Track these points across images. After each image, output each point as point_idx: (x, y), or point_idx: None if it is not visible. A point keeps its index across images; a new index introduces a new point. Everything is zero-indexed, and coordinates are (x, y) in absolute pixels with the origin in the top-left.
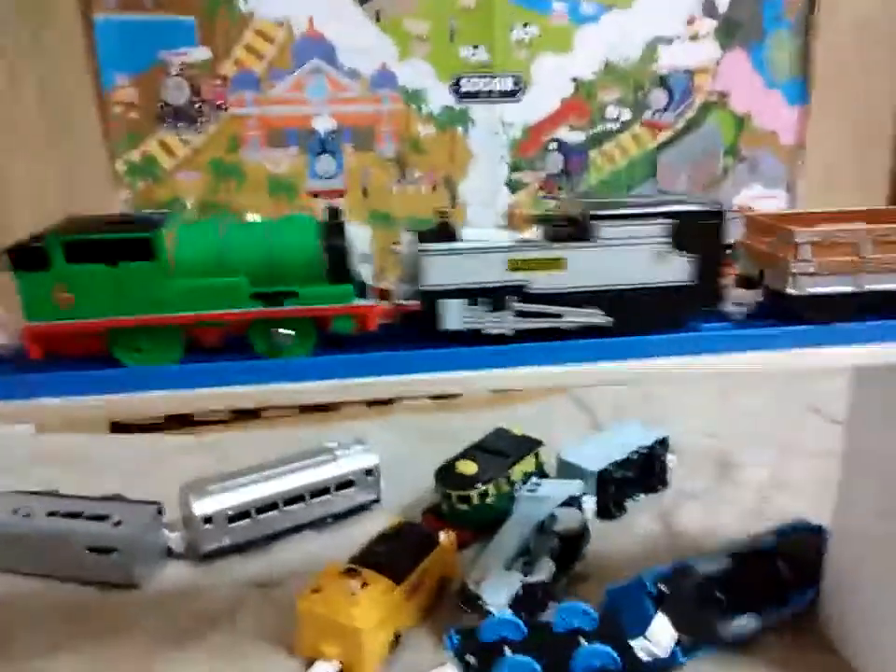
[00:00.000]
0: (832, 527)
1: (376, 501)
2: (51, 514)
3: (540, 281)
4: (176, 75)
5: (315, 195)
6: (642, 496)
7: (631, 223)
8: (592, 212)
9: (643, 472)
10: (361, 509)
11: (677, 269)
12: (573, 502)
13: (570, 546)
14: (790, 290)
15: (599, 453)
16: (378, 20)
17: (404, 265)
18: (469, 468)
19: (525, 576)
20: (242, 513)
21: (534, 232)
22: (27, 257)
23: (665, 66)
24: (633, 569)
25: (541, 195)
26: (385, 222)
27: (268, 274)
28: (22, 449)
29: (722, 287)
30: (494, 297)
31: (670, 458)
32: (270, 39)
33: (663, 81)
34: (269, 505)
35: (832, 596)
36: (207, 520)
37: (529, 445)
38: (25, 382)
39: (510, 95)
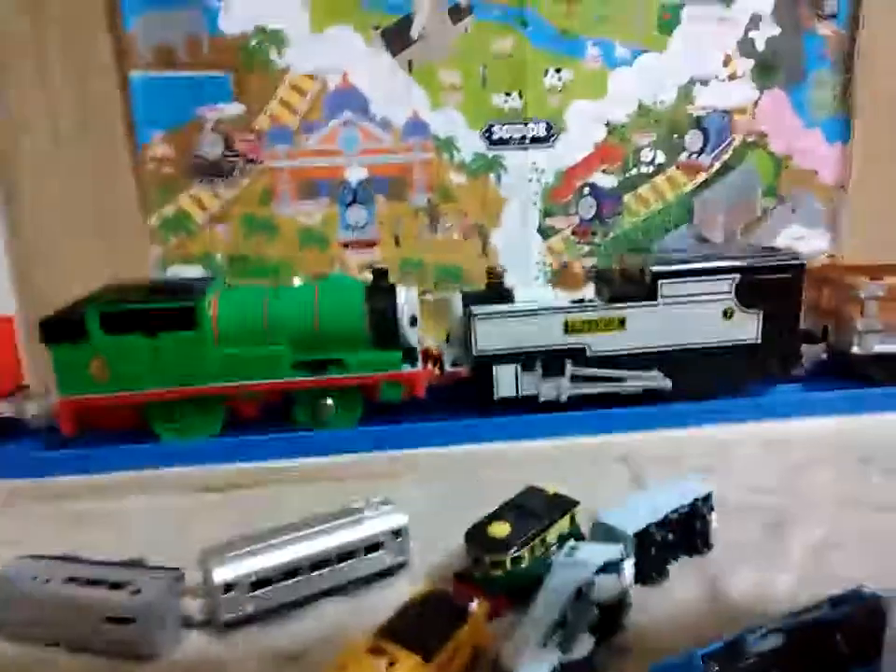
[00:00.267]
0: (892, 596)
1: (404, 564)
2: (70, 580)
3: (598, 343)
4: (211, 130)
5: (346, 246)
6: (685, 558)
7: (697, 279)
8: (654, 268)
9: (685, 533)
10: (389, 572)
11: (745, 327)
12: (612, 568)
13: (610, 616)
14: (855, 350)
15: (638, 513)
16: (410, 70)
17: (453, 328)
18: (501, 530)
19: (563, 653)
20: (264, 580)
21: (589, 290)
22: (63, 328)
23: (701, 107)
24: (677, 641)
25: (574, 241)
26: (416, 271)
27: (312, 341)
28: None
29: (798, 350)
30: (550, 361)
31: (714, 517)
32: (303, 93)
33: (698, 123)
34: (293, 570)
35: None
36: (228, 588)
37: (564, 505)
38: (60, 459)
39: (542, 141)
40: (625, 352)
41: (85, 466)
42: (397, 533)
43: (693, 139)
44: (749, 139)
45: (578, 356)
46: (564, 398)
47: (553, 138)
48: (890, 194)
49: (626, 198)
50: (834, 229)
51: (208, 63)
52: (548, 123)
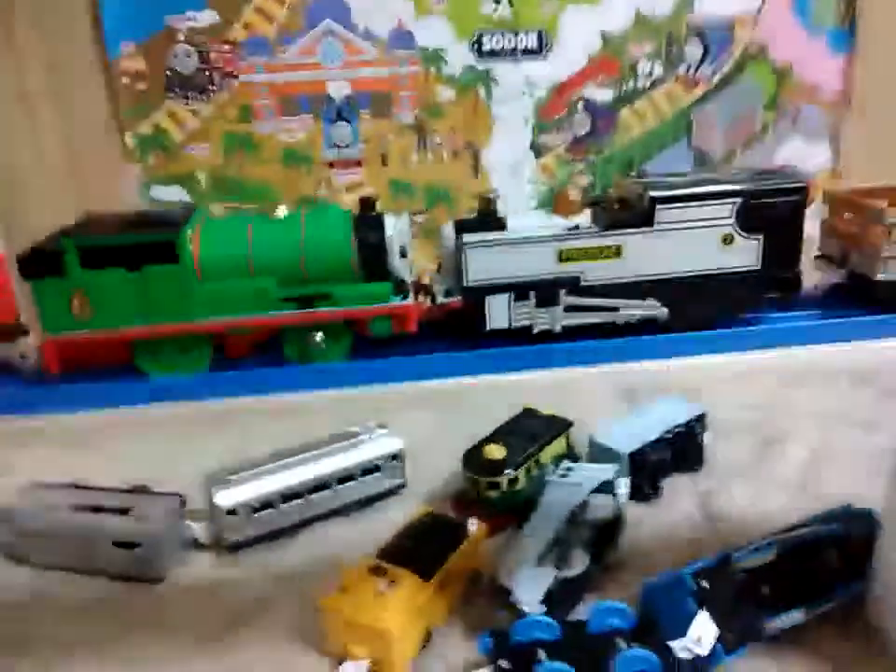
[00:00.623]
0: (882, 512)
1: (403, 486)
2: (76, 509)
3: (594, 272)
4: (184, 41)
5: (332, 165)
6: (678, 475)
7: (695, 204)
8: (651, 193)
9: (679, 451)
10: (388, 494)
11: (744, 254)
12: (607, 487)
13: (605, 535)
14: (879, 276)
15: (632, 433)
16: None
17: (444, 258)
18: (497, 452)
19: (559, 570)
20: (266, 503)
21: (585, 217)
22: (40, 263)
23: (701, 16)
24: (670, 557)
25: (569, 158)
26: (405, 192)
27: (299, 274)
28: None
29: (799, 275)
30: (544, 291)
31: (707, 435)
32: (280, 1)
33: (698, 33)
34: (294, 494)
35: (881, 585)
36: (231, 512)
37: (559, 426)
38: (46, 397)
39: (534, 52)
40: (621, 280)
41: (71, 403)
42: (394, 457)
43: (693, 50)
44: (750, 50)
45: (572, 285)
46: (558, 328)
47: (545, 50)
48: (892, 106)
49: (622, 113)
50: (836, 144)
51: None
52: (540, 33)
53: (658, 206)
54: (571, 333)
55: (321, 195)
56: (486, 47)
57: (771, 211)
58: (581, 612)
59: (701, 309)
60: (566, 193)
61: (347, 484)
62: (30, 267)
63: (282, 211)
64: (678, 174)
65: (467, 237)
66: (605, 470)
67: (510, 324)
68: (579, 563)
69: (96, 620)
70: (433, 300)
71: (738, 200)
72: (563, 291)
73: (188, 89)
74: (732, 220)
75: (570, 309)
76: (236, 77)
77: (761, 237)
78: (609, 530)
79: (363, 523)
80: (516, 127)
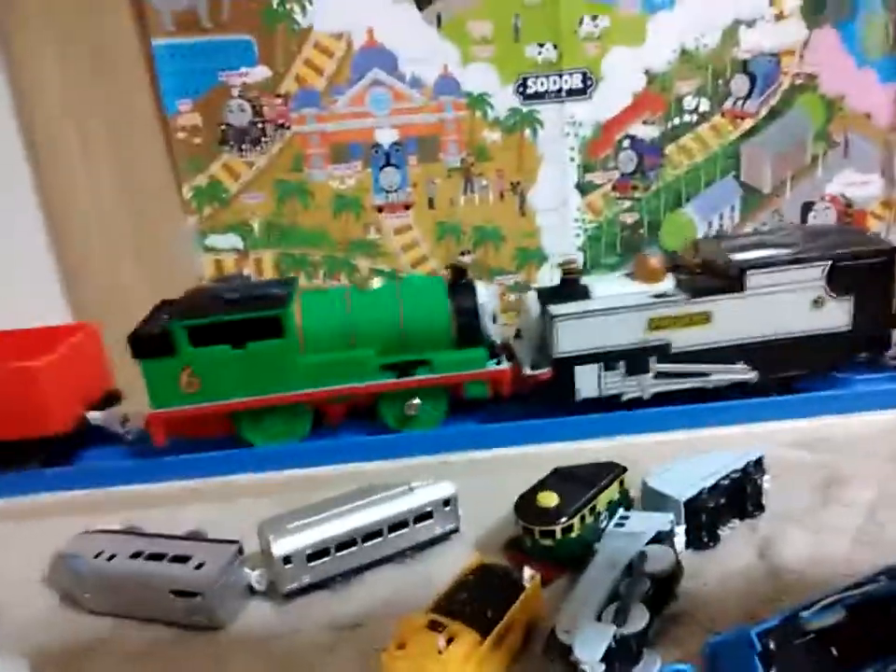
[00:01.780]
0: None
1: (455, 531)
2: (134, 556)
3: (683, 338)
4: (238, 96)
5: (381, 209)
6: (737, 522)
7: (785, 268)
8: (740, 259)
9: (736, 497)
10: (440, 539)
11: (835, 315)
12: (664, 537)
13: (663, 587)
14: None
15: (688, 478)
16: (439, 24)
17: (528, 329)
18: (550, 499)
19: (619, 626)
20: (321, 551)
21: (668, 283)
22: (152, 344)
23: (747, 50)
24: (731, 609)
25: (615, 196)
26: (452, 233)
27: (397, 342)
28: None
29: (888, 334)
30: (634, 359)
31: (766, 479)
32: (329, 53)
33: (745, 66)
34: (348, 541)
35: None
36: (287, 560)
37: (613, 471)
38: (152, 466)
39: (579, 93)
40: (711, 345)
41: (177, 472)
42: (446, 502)
43: (739, 84)
44: (799, 81)
45: (662, 352)
46: (648, 395)
47: (589, 89)
48: None
49: (668, 149)
50: (889, 173)
51: (231, 25)
52: (584, 74)
53: (748, 272)
54: (660, 399)
55: (372, 238)
56: (531, 89)
57: (861, 273)
58: (640, 670)
59: (791, 370)
60: (647, 258)
61: (400, 531)
62: (142, 347)
63: (376, 282)
64: (754, 232)
65: (554, 309)
66: (662, 519)
67: (599, 393)
68: (638, 618)
69: (155, 668)
70: (520, 370)
71: (828, 263)
72: (653, 359)
73: (242, 141)
74: (822, 283)
75: (660, 375)
76: (288, 127)
77: (851, 298)
78: (667, 582)
79: (416, 569)
80: (562, 166)
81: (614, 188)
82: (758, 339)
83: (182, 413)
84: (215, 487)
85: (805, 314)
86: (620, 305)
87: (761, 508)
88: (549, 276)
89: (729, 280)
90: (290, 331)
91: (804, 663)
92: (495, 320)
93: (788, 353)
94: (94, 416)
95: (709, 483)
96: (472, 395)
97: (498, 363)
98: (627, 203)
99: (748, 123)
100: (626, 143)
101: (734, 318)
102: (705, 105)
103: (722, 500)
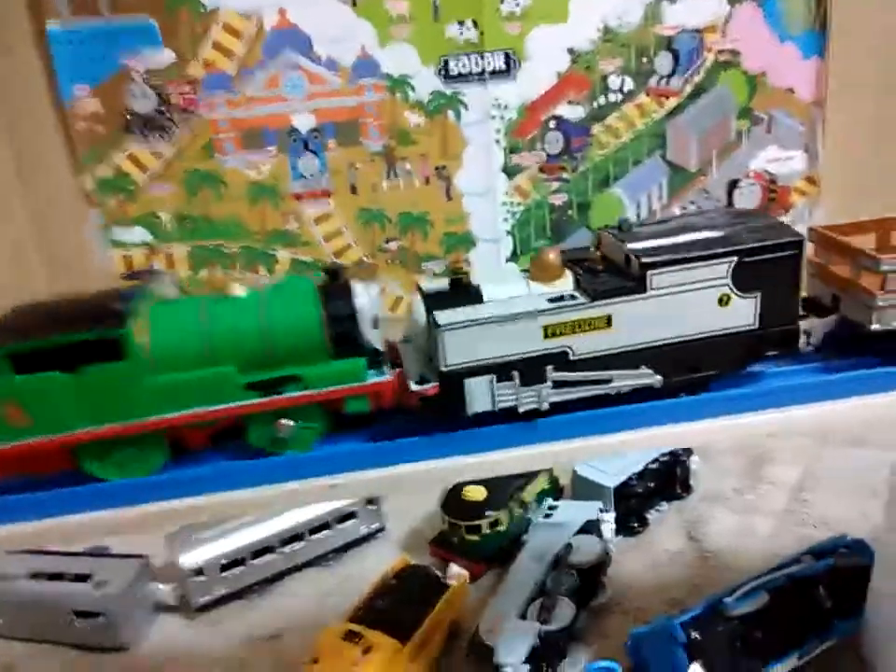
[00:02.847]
0: (877, 545)
1: (381, 530)
2: (33, 576)
3: (582, 344)
4: (141, 81)
5: (299, 197)
6: (665, 504)
7: (690, 266)
8: (642, 258)
9: (666, 480)
10: (366, 539)
11: (741, 313)
12: (592, 526)
13: (590, 578)
14: (874, 326)
15: (617, 465)
16: (354, 3)
17: (415, 335)
18: (477, 493)
19: (543, 623)
20: (235, 560)
21: (567, 282)
22: None
23: (670, 27)
24: (658, 596)
25: (542, 178)
26: (377, 220)
27: (264, 357)
28: None
29: (797, 330)
30: (529, 369)
31: (694, 460)
32: (238, 35)
33: (668, 44)
34: (265, 548)
35: (877, 622)
36: (198, 572)
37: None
38: None
39: (503, 73)
40: (612, 351)
41: (12, 515)
42: (370, 501)
43: (663, 61)
44: (722, 58)
45: (559, 360)
46: (545, 406)
47: (513, 70)
48: (867, 109)
49: (595, 129)
50: (812, 149)
51: (131, 6)
52: (507, 54)
53: (650, 272)
54: (560, 408)
55: (291, 227)
56: (453, 70)
57: (768, 268)
58: (566, 667)
59: (698, 372)
60: (544, 256)
61: (322, 533)
62: None
63: (239, 289)
64: (658, 220)
65: (441, 317)
66: (590, 508)
67: (493, 406)
68: (564, 613)
69: None
70: (405, 381)
71: (733, 259)
72: (550, 367)
73: (147, 129)
74: (728, 280)
75: (558, 384)
76: (197, 114)
77: (758, 295)
78: (594, 572)
79: (340, 571)
80: (488, 149)
81: (541, 169)
82: (662, 341)
83: (11, 450)
84: (58, 527)
85: (710, 313)
86: (512, 312)
87: (689, 489)
88: (479, 262)
89: (630, 280)
90: (133, 352)
91: (728, 650)
92: (376, 325)
93: (694, 354)
94: None
95: (638, 468)
96: (352, 410)
97: (380, 374)
98: (555, 185)
99: (672, 101)
100: (552, 124)
101: (636, 321)
102: (629, 84)
103: (651, 484)
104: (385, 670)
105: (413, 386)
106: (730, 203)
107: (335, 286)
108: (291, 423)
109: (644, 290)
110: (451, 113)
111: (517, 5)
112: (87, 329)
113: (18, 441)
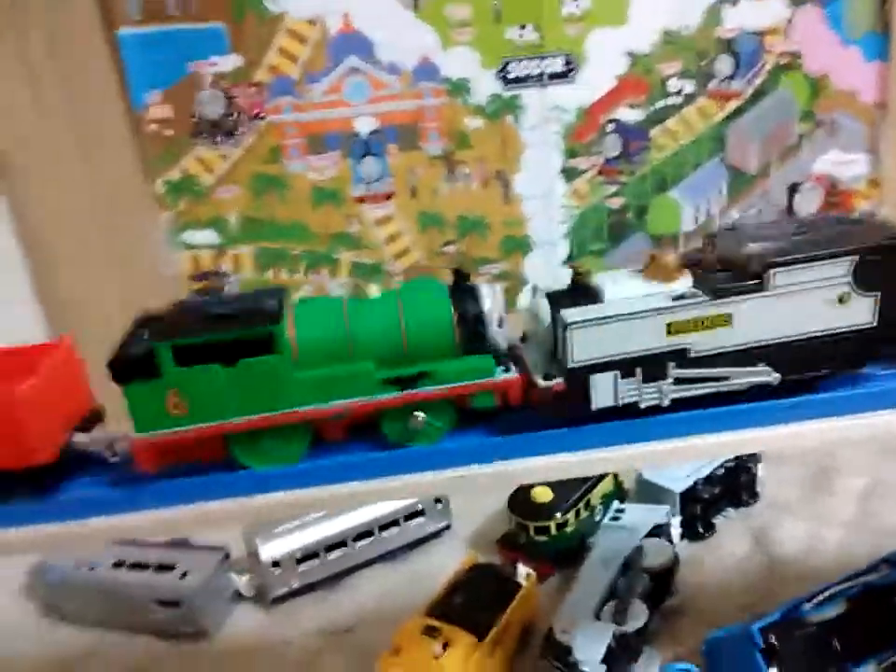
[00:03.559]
0: None
1: (447, 528)
2: (117, 565)
3: (702, 342)
4: (210, 86)
5: (362, 200)
6: (731, 511)
7: (813, 265)
8: (766, 257)
9: (731, 486)
10: (432, 537)
11: (860, 311)
12: (660, 531)
13: (661, 581)
14: None
15: (682, 469)
16: (416, 7)
17: (537, 334)
18: (544, 495)
19: (618, 624)
20: (310, 554)
21: (685, 282)
22: (134, 366)
23: (730, 29)
24: (729, 602)
25: (601, 181)
26: (436, 224)
27: (398, 354)
28: None
29: None
30: (651, 366)
31: (760, 467)
32: (303, 40)
33: (728, 46)
34: (337, 542)
35: None
36: (275, 564)
37: None
38: (141, 494)
39: (561, 76)
40: (731, 348)
41: (170, 499)
42: (438, 499)
43: (723, 64)
44: (783, 61)
45: (680, 357)
46: (666, 402)
47: (572, 73)
48: None
49: (654, 132)
50: (875, 152)
51: (199, 13)
52: (566, 57)
53: (772, 270)
54: (680, 405)
55: (353, 230)
56: (513, 73)
57: (887, 267)
58: (640, 667)
59: (814, 370)
60: (662, 256)
61: (391, 530)
62: (123, 372)
63: (375, 290)
64: (771, 223)
65: (567, 315)
66: (658, 512)
67: (616, 401)
68: (637, 615)
69: None
70: (530, 379)
71: (855, 258)
72: (671, 364)
73: (215, 133)
74: (849, 279)
75: (678, 381)
76: (263, 118)
77: (878, 294)
78: (665, 576)
79: (408, 568)
80: (546, 152)
81: (599, 172)
82: (781, 339)
83: (171, 437)
84: (209, 513)
85: (829, 311)
86: (637, 310)
87: (755, 496)
88: (535, 266)
89: (751, 278)
90: (283, 347)
91: (805, 657)
92: (501, 324)
93: (811, 352)
94: (79, 440)
95: (704, 473)
96: (479, 406)
97: (505, 370)
98: (613, 188)
99: (733, 104)
100: (611, 127)
101: (756, 319)
102: (689, 87)
103: (717, 490)
104: (464, 665)
105: (540, 382)
106: (790, 207)
107: (464, 287)
108: (423, 416)
109: (765, 288)
110: (510, 117)
111: (577, 7)
112: (243, 325)
113: (178, 428)
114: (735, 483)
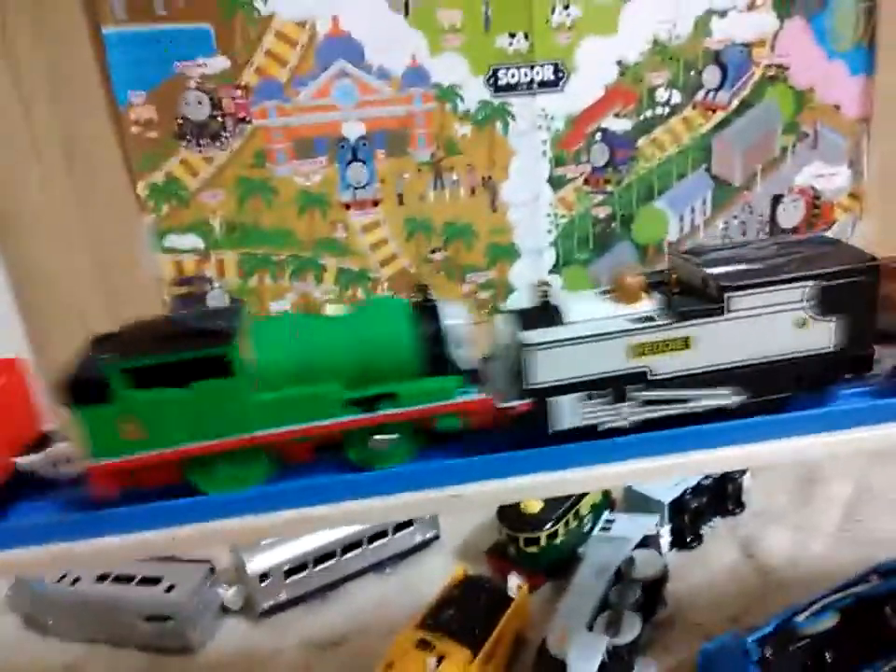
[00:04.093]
0: None
1: (436, 538)
2: (101, 579)
3: (664, 365)
4: (195, 88)
5: (348, 207)
6: (718, 520)
7: (770, 290)
8: (722, 282)
9: (718, 496)
10: (421, 547)
11: (820, 336)
12: (649, 541)
13: (652, 592)
14: None
15: (670, 479)
16: (407, 12)
17: (498, 354)
18: (533, 506)
19: (612, 637)
20: (298, 566)
21: (649, 304)
22: (85, 389)
23: (719, 41)
24: (718, 611)
25: (587, 190)
26: (423, 230)
27: (360, 374)
28: None
29: (872, 353)
30: (613, 388)
31: (746, 477)
32: (292, 42)
33: (716, 57)
34: (326, 555)
35: None
36: (263, 577)
37: None
38: (94, 519)
39: (551, 85)
40: (691, 371)
41: (125, 526)
42: None
43: (711, 75)
44: (770, 73)
45: (641, 379)
46: (627, 424)
47: (561, 81)
48: None
49: (640, 142)
50: (857, 165)
51: (187, 13)
52: (556, 65)
53: (729, 294)
54: (641, 426)
55: (339, 236)
56: (502, 81)
57: (845, 292)
58: None
59: (774, 392)
60: (626, 277)
61: (379, 541)
62: (71, 395)
63: (334, 309)
64: (728, 246)
65: (528, 337)
66: (648, 522)
67: (577, 423)
68: (631, 627)
69: None
70: (492, 400)
71: (812, 283)
72: (632, 386)
73: (200, 136)
74: (807, 304)
75: (639, 403)
76: (249, 121)
77: (834, 318)
78: (655, 587)
79: (397, 579)
80: (534, 161)
81: (586, 181)
82: (740, 362)
83: (124, 463)
84: (165, 539)
85: (788, 335)
86: (599, 332)
87: (741, 506)
88: (522, 274)
89: (709, 302)
90: (239, 368)
91: (800, 669)
92: (463, 344)
93: (770, 375)
94: (26, 462)
95: (692, 482)
96: (443, 427)
97: (472, 392)
98: (599, 197)
99: (719, 115)
100: (598, 136)
101: (714, 342)
102: (676, 97)
103: (705, 500)
104: None
105: (502, 403)
106: (773, 218)
107: (426, 306)
108: (388, 438)
109: (724, 312)
110: (498, 124)
111: (568, 16)
112: (196, 347)
113: (131, 454)
114: (722, 493)
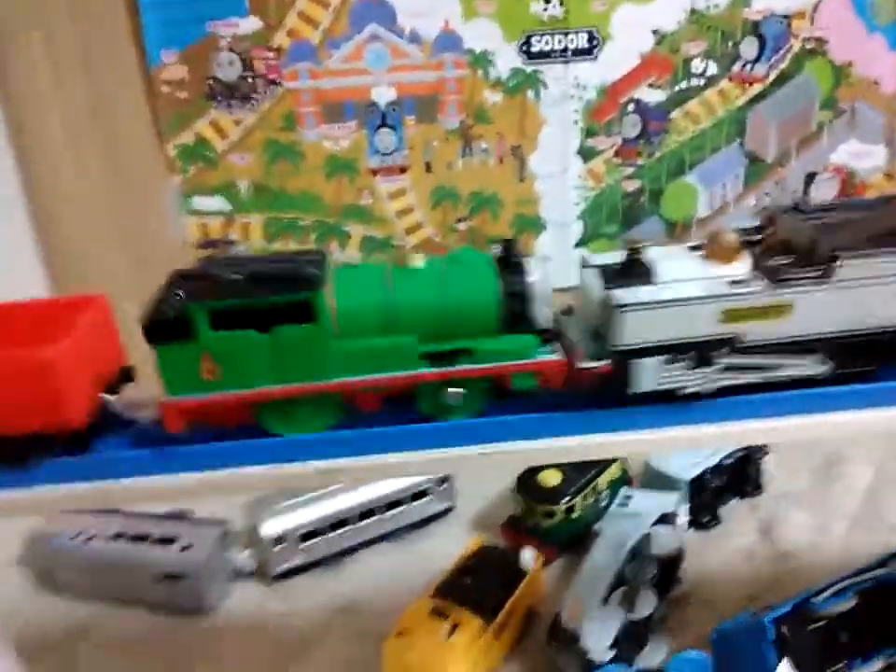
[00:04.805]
0: None
1: (451, 509)
2: (116, 537)
3: (756, 331)
4: (227, 48)
5: (375, 173)
6: (736, 501)
7: (882, 258)
8: (831, 245)
9: (738, 476)
10: (436, 517)
11: None
12: (668, 518)
13: (668, 569)
14: None
15: (690, 457)
16: None
17: (582, 311)
18: (552, 478)
19: (627, 612)
20: (313, 531)
21: (744, 264)
22: (167, 328)
23: (758, 11)
24: (734, 590)
25: (617, 162)
26: (449, 199)
27: (440, 328)
28: None
29: None
30: (700, 352)
31: (766, 459)
32: (325, 5)
33: (755, 28)
34: (341, 521)
35: None
36: (278, 540)
37: None
38: (170, 455)
39: (585, 53)
40: (787, 338)
41: (198, 463)
42: (443, 480)
43: (749, 46)
44: (808, 46)
45: (732, 344)
46: (711, 390)
47: (595, 49)
48: None
49: (674, 114)
50: (893, 144)
51: None
52: (590, 33)
53: (840, 260)
54: (720, 392)
55: (365, 203)
56: (535, 48)
57: None
58: (647, 655)
59: (868, 363)
60: (723, 235)
61: (394, 510)
62: (156, 332)
63: (419, 259)
64: (835, 206)
65: (619, 296)
66: (667, 499)
67: (658, 386)
68: (645, 603)
69: (140, 654)
70: (572, 359)
71: None
72: (721, 351)
73: (230, 97)
74: None
75: (726, 369)
76: (280, 83)
77: None
78: (672, 564)
79: (411, 548)
80: (564, 131)
81: (616, 153)
82: (838, 332)
83: (200, 402)
84: (236, 479)
85: (892, 306)
86: (693, 295)
87: (759, 488)
88: (547, 246)
89: (815, 266)
90: (323, 315)
91: (816, 649)
92: (547, 303)
93: (864, 346)
94: (112, 401)
95: (712, 462)
96: (518, 386)
97: (547, 350)
98: (630, 170)
99: (755, 88)
100: (631, 107)
101: (815, 310)
102: (713, 69)
103: (725, 479)
104: (472, 648)
105: (584, 363)
106: (806, 197)
107: (510, 262)
108: (460, 391)
109: (830, 278)
110: (530, 92)
111: None
112: (281, 291)
113: (208, 393)
114: (742, 474)
